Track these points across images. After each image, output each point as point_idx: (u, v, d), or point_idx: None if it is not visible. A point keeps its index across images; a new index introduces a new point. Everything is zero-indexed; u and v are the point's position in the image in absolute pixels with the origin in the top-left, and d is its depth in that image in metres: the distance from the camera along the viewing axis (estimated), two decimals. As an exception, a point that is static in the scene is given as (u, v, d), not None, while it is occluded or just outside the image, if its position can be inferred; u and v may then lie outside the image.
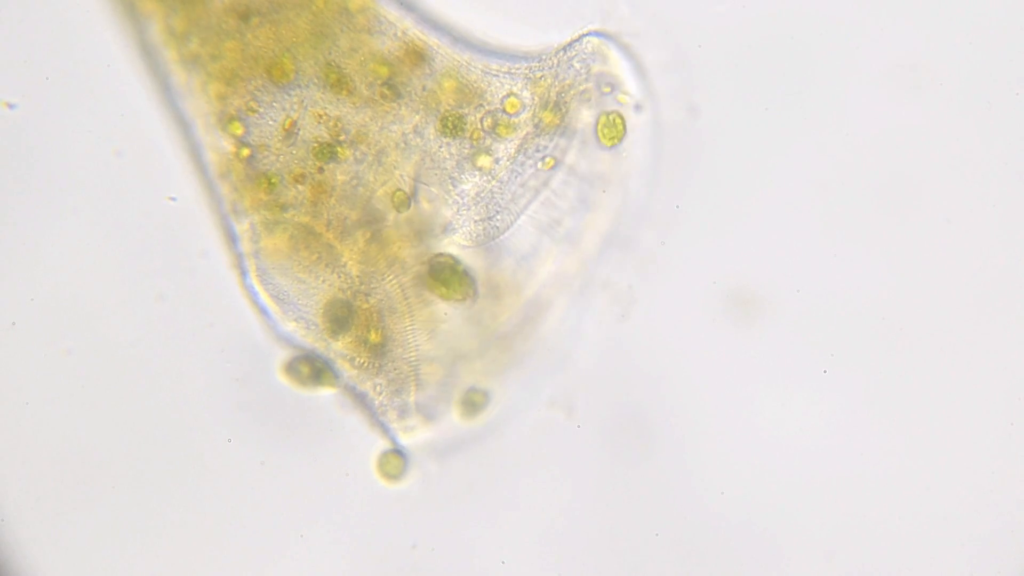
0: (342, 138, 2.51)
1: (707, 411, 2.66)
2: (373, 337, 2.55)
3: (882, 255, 2.64)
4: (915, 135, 2.64)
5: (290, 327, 2.56)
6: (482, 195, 2.55)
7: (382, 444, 2.62)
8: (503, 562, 2.65)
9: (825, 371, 2.63)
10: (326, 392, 2.58)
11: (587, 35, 2.56)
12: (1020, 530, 2.64)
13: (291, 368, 2.56)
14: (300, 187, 2.51)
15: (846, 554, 2.65)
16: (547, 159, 2.54)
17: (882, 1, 2.63)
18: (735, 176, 2.63)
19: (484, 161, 2.54)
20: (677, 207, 2.63)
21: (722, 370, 2.65)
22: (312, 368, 2.56)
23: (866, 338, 2.64)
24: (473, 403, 2.60)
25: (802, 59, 2.62)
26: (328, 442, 2.63)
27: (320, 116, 2.50)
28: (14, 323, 2.58)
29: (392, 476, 2.60)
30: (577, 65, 2.54)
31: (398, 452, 2.60)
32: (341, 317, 2.51)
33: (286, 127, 2.47)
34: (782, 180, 2.64)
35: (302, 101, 2.50)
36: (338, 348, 2.56)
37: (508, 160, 2.55)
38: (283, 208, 2.52)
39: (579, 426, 2.65)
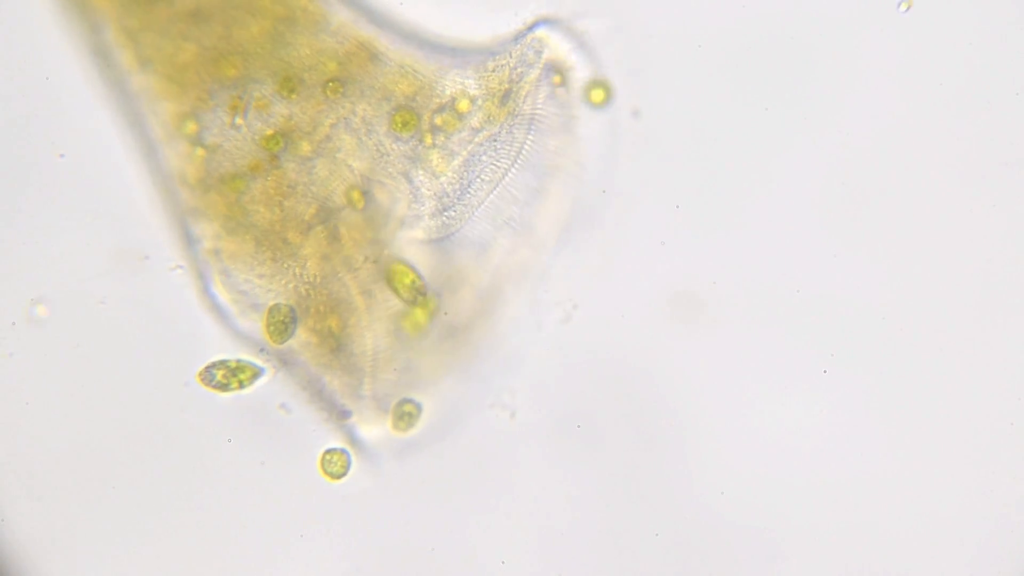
0: (296, 136, 2.51)
1: (708, 411, 2.66)
2: (333, 327, 2.55)
3: (882, 255, 2.64)
4: (915, 133, 2.64)
5: (249, 325, 2.56)
6: (437, 190, 2.56)
7: (334, 439, 2.62)
8: (503, 562, 2.65)
9: (825, 371, 2.63)
10: (247, 391, 2.59)
11: (537, 23, 2.56)
12: (1020, 530, 2.64)
13: (206, 375, 2.56)
14: (260, 184, 2.52)
15: (846, 554, 2.65)
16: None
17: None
18: (734, 174, 2.63)
19: (437, 157, 2.55)
20: (677, 207, 2.63)
21: (722, 370, 2.65)
22: (226, 371, 2.56)
23: (866, 338, 2.63)
24: (407, 414, 2.61)
25: (797, 56, 2.62)
26: (327, 442, 2.63)
27: (267, 108, 2.51)
28: (14, 323, 2.58)
29: (335, 475, 2.61)
30: (529, 55, 2.54)
31: (342, 450, 2.61)
32: (284, 323, 2.52)
33: (232, 106, 2.47)
34: (781, 178, 2.64)
35: (248, 90, 2.50)
36: (295, 344, 2.57)
37: (462, 155, 2.56)
38: (245, 209, 2.53)
39: (579, 425, 2.65)
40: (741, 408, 2.64)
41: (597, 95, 2.55)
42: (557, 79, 2.55)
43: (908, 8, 2.45)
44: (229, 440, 2.61)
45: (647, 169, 2.62)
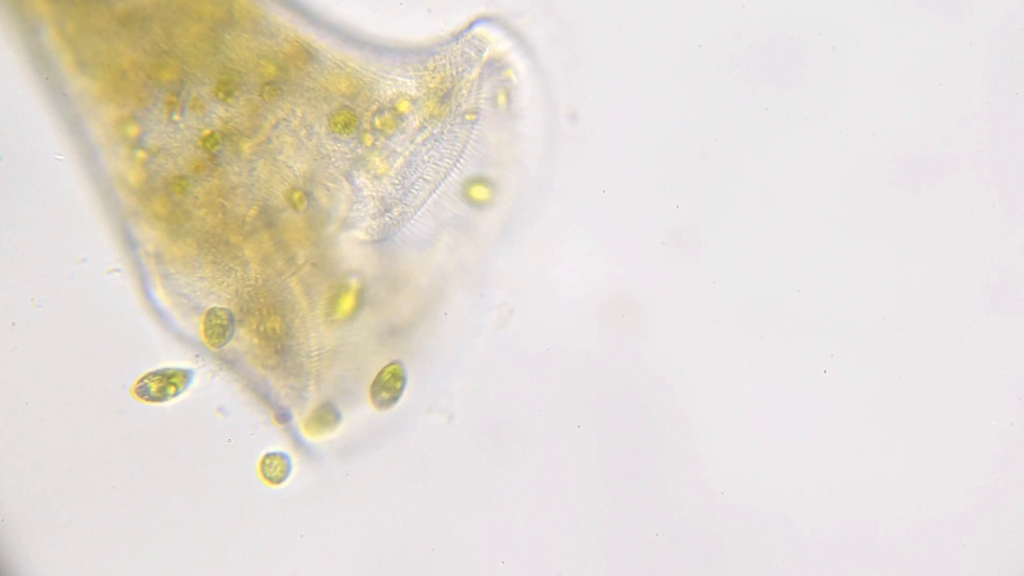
0: (236, 137, 2.51)
1: (708, 411, 2.66)
2: (277, 328, 2.55)
3: (882, 255, 2.64)
4: (915, 131, 2.64)
5: (191, 327, 2.56)
6: (379, 191, 2.56)
7: (278, 443, 2.62)
8: (503, 562, 2.65)
9: (825, 371, 2.63)
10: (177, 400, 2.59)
11: (476, 21, 2.56)
12: (1020, 530, 2.64)
13: (140, 389, 2.56)
14: (201, 186, 2.52)
15: (845, 554, 2.65)
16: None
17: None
18: (732, 174, 2.64)
19: (378, 158, 2.55)
20: (677, 207, 2.64)
21: (722, 370, 2.65)
22: (158, 380, 2.56)
23: (866, 338, 2.63)
24: (324, 421, 2.60)
25: (793, 54, 2.62)
26: (325, 443, 2.63)
27: (204, 108, 2.51)
28: (14, 323, 2.59)
29: (275, 479, 2.60)
30: (470, 52, 2.54)
31: (281, 455, 2.61)
32: (222, 326, 2.52)
33: (169, 102, 2.47)
34: (781, 178, 2.64)
35: (185, 87, 2.50)
36: (240, 347, 2.57)
37: (404, 155, 2.55)
38: (187, 212, 2.53)
39: (579, 426, 2.65)
40: (741, 408, 2.65)
41: (479, 192, 2.56)
42: (508, 74, 2.55)
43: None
44: (229, 440, 2.61)
45: (584, 171, 2.61)
